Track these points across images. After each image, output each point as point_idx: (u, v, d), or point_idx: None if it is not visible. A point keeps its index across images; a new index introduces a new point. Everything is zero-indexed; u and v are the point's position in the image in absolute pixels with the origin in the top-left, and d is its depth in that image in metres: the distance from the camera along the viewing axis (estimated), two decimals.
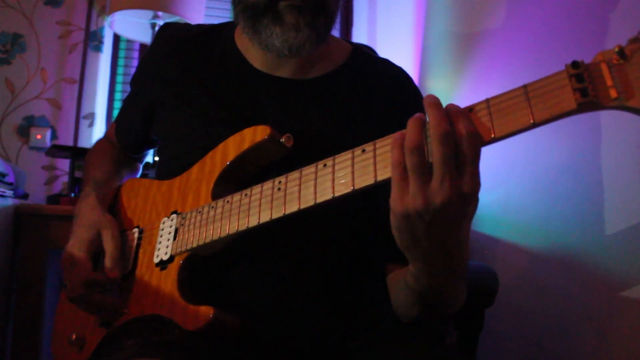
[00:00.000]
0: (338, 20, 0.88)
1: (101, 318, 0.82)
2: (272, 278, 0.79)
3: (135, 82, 1.00)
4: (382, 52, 1.00)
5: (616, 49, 0.49)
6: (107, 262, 0.81)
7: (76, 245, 0.83)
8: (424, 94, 0.97)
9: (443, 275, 0.65)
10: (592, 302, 1.12)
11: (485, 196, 1.55)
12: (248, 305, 0.78)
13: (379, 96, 0.87)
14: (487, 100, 0.55)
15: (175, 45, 0.92)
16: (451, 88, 1.80)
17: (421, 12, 2.10)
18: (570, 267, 1.18)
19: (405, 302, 0.75)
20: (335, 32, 0.88)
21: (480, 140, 0.54)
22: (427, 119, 0.56)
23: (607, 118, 1.09)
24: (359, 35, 2.56)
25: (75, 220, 0.89)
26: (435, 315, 0.75)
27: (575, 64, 0.50)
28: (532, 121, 0.51)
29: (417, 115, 0.57)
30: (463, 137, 0.54)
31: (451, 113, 0.55)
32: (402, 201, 0.56)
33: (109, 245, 0.82)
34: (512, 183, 1.42)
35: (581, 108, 0.49)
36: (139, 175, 1.14)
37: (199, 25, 0.98)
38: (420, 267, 0.65)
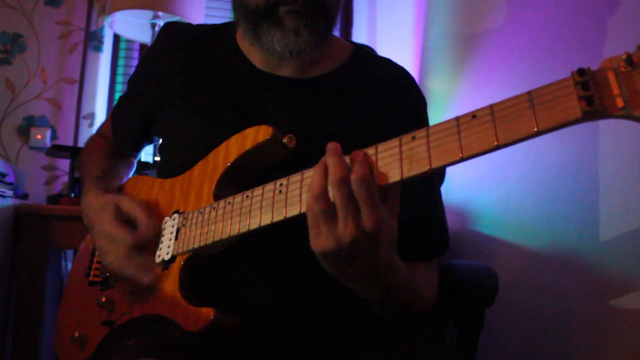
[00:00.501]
0: (338, 20, 0.88)
1: (107, 313, 0.82)
2: (273, 279, 0.79)
3: (135, 81, 1.00)
4: (382, 52, 1.00)
5: (624, 57, 0.47)
6: (142, 219, 0.79)
7: (105, 225, 0.80)
8: (425, 94, 0.98)
9: (378, 292, 0.72)
10: (592, 302, 1.12)
11: (485, 196, 1.55)
12: (249, 305, 0.78)
13: (380, 95, 0.88)
14: (491, 106, 0.54)
15: (177, 45, 0.92)
16: (451, 88, 1.81)
17: (421, 12, 2.10)
18: (570, 267, 1.18)
19: (376, 308, 0.78)
20: (335, 32, 0.88)
21: (371, 182, 0.58)
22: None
23: (608, 119, 1.09)
24: (359, 35, 2.56)
25: (85, 215, 0.88)
26: (403, 315, 0.79)
27: (581, 71, 0.48)
28: (536, 129, 0.50)
29: (322, 160, 0.61)
30: (356, 181, 0.57)
31: (350, 157, 0.60)
32: (317, 242, 0.61)
33: (133, 207, 0.81)
34: (512, 183, 1.42)
35: (586, 117, 0.48)
36: (134, 169, 1.13)
37: (200, 25, 0.98)
38: (357, 291, 0.71)
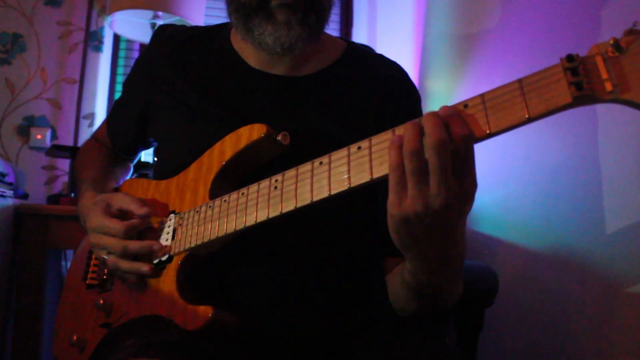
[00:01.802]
0: (338, 20, 0.88)
1: (105, 315, 0.82)
2: (271, 278, 0.79)
3: (130, 83, 1.00)
4: (382, 52, 1.00)
5: (611, 42, 0.48)
6: (132, 206, 0.79)
7: (94, 219, 0.80)
8: (424, 94, 0.98)
9: (441, 272, 0.66)
10: (592, 301, 1.12)
11: (485, 196, 1.55)
12: (247, 305, 0.77)
13: (374, 91, 0.88)
14: (482, 95, 0.54)
15: (172, 46, 0.92)
16: (451, 88, 1.80)
17: (421, 13, 2.10)
18: (570, 266, 1.18)
19: (403, 298, 0.75)
20: (335, 32, 0.88)
21: (473, 140, 0.54)
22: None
23: (607, 118, 1.09)
24: (359, 35, 2.56)
25: (80, 216, 0.89)
26: (433, 309, 0.76)
27: (570, 58, 0.49)
28: (527, 116, 0.51)
29: (416, 120, 0.57)
30: (459, 141, 0.54)
31: (446, 116, 0.55)
32: (400, 205, 0.56)
33: (124, 199, 0.81)
34: (512, 183, 1.42)
35: (576, 102, 0.49)
36: (130, 173, 1.13)
37: (195, 27, 0.98)
38: (419, 266, 0.66)
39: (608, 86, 0.48)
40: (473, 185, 0.56)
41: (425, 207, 0.55)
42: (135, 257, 0.82)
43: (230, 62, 0.89)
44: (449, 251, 0.63)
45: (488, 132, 0.53)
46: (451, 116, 0.55)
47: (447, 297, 0.74)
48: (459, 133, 0.54)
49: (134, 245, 0.77)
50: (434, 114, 0.55)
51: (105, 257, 0.79)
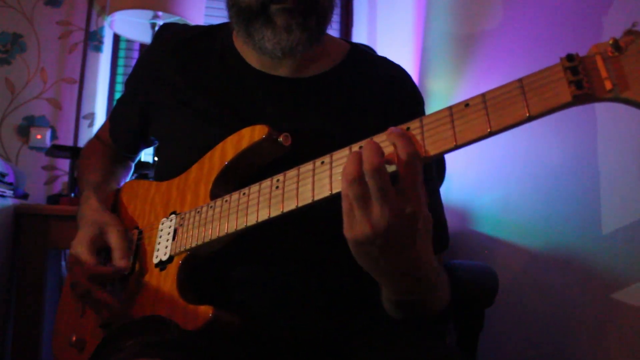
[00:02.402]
0: (338, 20, 0.89)
1: (103, 319, 0.82)
2: (272, 278, 0.79)
3: (132, 82, 1.00)
4: (382, 52, 1.00)
5: (610, 42, 0.49)
6: (115, 253, 0.80)
7: (78, 243, 0.82)
8: (424, 94, 0.98)
9: (410, 290, 0.68)
10: (592, 301, 1.12)
11: (485, 196, 1.55)
12: (247, 305, 0.77)
13: (376, 93, 0.88)
14: (483, 95, 0.55)
15: (174, 45, 0.92)
16: (451, 88, 1.80)
17: (421, 13, 2.10)
18: (570, 266, 1.18)
19: (388, 308, 0.76)
20: (335, 32, 0.88)
21: (418, 161, 0.56)
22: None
23: (607, 118, 1.09)
24: (359, 35, 2.56)
25: (78, 223, 0.89)
26: (419, 316, 0.76)
27: (570, 57, 0.50)
28: (527, 114, 0.51)
29: (357, 148, 0.60)
30: (402, 162, 0.56)
31: (391, 137, 0.57)
32: (352, 229, 0.59)
33: (114, 238, 0.82)
34: (512, 183, 1.42)
35: (576, 100, 0.49)
36: (131, 173, 1.14)
37: (197, 26, 0.98)
38: (386, 286, 0.68)
39: (607, 85, 0.49)
40: (418, 204, 0.57)
41: (373, 229, 0.57)
42: (134, 258, 0.82)
43: (232, 63, 0.89)
44: (414, 270, 0.64)
45: (489, 130, 0.53)
46: (395, 137, 0.57)
47: (429, 306, 0.74)
48: (401, 154, 0.56)
49: (90, 294, 0.78)
50: (369, 141, 0.58)
51: (71, 283, 0.81)
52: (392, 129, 0.58)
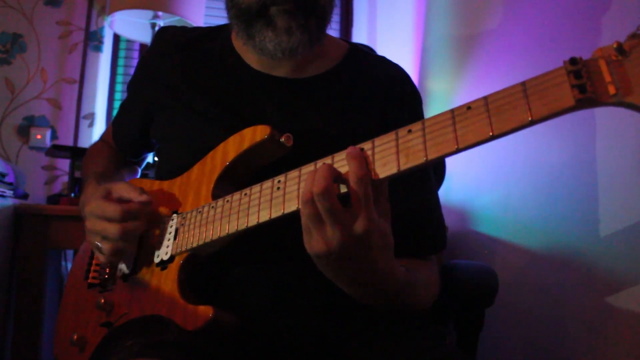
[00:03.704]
0: (338, 20, 0.89)
1: (106, 315, 0.82)
2: (272, 278, 0.79)
3: (133, 85, 1.00)
4: (382, 53, 1.00)
5: (615, 45, 0.48)
6: (132, 194, 0.78)
7: (92, 203, 0.79)
8: (424, 94, 0.98)
9: (375, 297, 0.71)
10: (592, 301, 1.12)
11: (485, 196, 1.55)
12: (247, 305, 0.78)
13: (376, 93, 0.88)
14: (485, 98, 0.54)
15: (174, 47, 0.93)
16: (451, 89, 1.80)
17: (421, 13, 2.10)
18: (570, 266, 1.18)
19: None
20: (335, 32, 0.88)
21: (368, 182, 0.58)
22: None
23: (607, 118, 1.09)
24: (359, 35, 2.56)
25: (81, 205, 0.87)
26: (410, 312, 0.78)
27: (573, 61, 0.49)
28: (530, 118, 0.51)
29: (311, 169, 0.63)
30: (352, 183, 0.58)
31: (347, 158, 0.59)
32: (310, 245, 0.62)
33: (124, 187, 0.80)
34: (512, 183, 1.42)
35: (579, 104, 0.49)
36: (138, 176, 1.14)
37: (196, 28, 0.99)
38: (352, 294, 0.70)
39: (611, 89, 0.48)
40: (371, 222, 0.59)
41: (327, 246, 0.60)
42: (136, 257, 0.82)
43: (232, 64, 0.89)
44: (373, 281, 0.66)
45: (491, 134, 0.53)
46: (349, 159, 0.59)
47: (410, 305, 0.76)
48: (351, 176, 0.58)
49: (131, 225, 0.76)
50: (324, 165, 0.60)
51: (99, 243, 0.78)
52: (349, 149, 0.60)
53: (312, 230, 0.61)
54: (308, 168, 0.66)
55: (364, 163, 0.59)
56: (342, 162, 0.62)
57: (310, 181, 0.59)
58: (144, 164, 1.14)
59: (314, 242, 0.61)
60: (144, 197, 0.78)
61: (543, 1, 1.35)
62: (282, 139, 0.75)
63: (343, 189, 0.60)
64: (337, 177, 0.60)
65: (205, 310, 0.70)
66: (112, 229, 0.76)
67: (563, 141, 1.22)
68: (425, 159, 0.56)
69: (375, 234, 0.60)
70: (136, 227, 0.77)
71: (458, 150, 0.55)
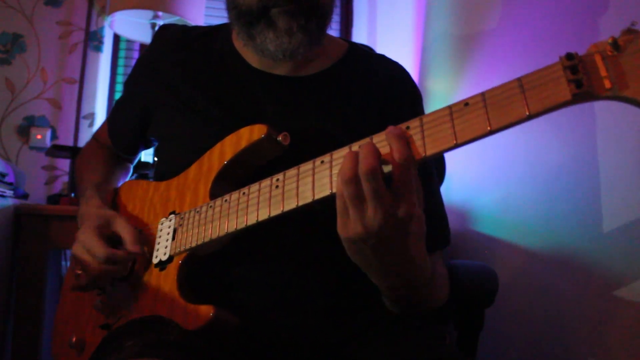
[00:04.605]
0: (338, 20, 0.89)
1: (105, 315, 0.82)
2: (272, 278, 0.79)
3: (131, 83, 1.00)
4: (382, 52, 1.00)
5: (609, 41, 0.49)
6: (126, 237, 0.79)
7: (84, 233, 0.80)
8: (424, 94, 0.98)
9: (403, 288, 0.70)
10: (592, 301, 1.12)
11: (485, 196, 1.55)
12: (247, 305, 0.77)
13: (375, 92, 0.88)
14: (483, 94, 0.55)
15: (174, 46, 0.93)
16: (451, 88, 1.80)
17: (421, 13, 2.10)
18: (570, 266, 1.18)
19: (388, 304, 0.78)
20: (335, 32, 0.88)
21: (413, 164, 0.56)
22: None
23: (607, 118, 1.09)
24: (359, 35, 2.56)
25: (80, 219, 0.88)
26: (416, 312, 0.78)
27: (569, 56, 0.50)
28: (527, 113, 0.51)
29: (355, 148, 0.60)
30: (397, 165, 0.56)
31: (388, 138, 0.58)
32: (345, 228, 0.60)
33: (122, 226, 0.81)
34: (512, 183, 1.42)
35: (576, 99, 0.50)
36: (129, 175, 1.13)
37: (196, 27, 0.99)
38: (380, 284, 0.69)
39: (607, 83, 0.49)
40: (413, 206, 0.58)
41: (366, 230, 0.58)
42: (134, 258, 0.82)
43: (232, 62, 0.89)
44: (406, 270, 0.65)
45: (489, 129, 0.53)
46: (392, 138, 0.57)
47: (425, 302, 0.76)
48: (396, 156, 0.56)
49: (112, 268, 0.78)
50: (367, 142, 0.59)
51: (78, 272, 0.80)
52: (390, 128, 0.58)
53: (351, 211, 0.58)
54: (306, 166, 0.66)
55: (407, 143, 0.57)
56: (340, 159, 0.62)
57: (351, 160, 0.57)
58: (137, 160, 1.14)
59: (351, 224, 0.59)
60: (135, 248, 0.78)
61: (542, 0, 1.35)
62: (279, 138, 0.75)
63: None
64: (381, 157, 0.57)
65: (206, 310, 0.70)
66: (93, 265, 0.78)
67: (563, 141, 1.22)
68: (424, 154, 0.57)
69: (414, 219, 0.59)
70: (117, 271, 0.79)
71: (457, 145, 0.56)
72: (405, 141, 0.57)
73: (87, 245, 0.79)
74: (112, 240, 0.81)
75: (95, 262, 0.78)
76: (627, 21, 0.51)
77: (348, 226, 0.59)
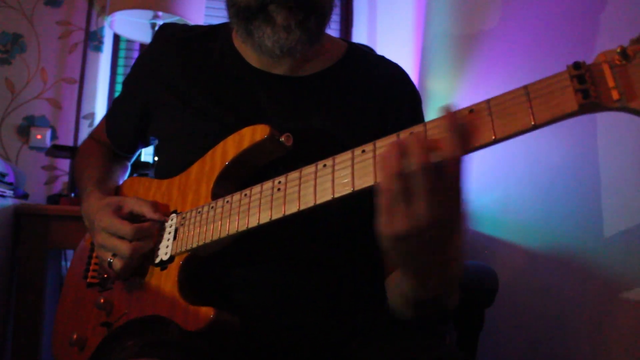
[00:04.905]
0: (338, 20, 0.89)
1: (106, 315, 0.82)
2: (272, 279, 0.79)
3: (131, 81, 0.99)
4: (382, 53, 1.00)
5: (618, 50, 0.48)
6: (145, 209, 0.79)
7: (105, 219, 0.80)
8: (424, 94, 0.98)
9: (439, 288, 0.67)
10: (591, 301, 1.12)
11: (485, 196, 1.55)
12: (248, 305, 0.77)
13: (375, 92, 0.88)
14: (488, 101, 0.54)
15: (174, 45, 0.92)
16: (451, 88, 1.80)
17: (421, 13, 2.10)
18: (570, 266, 1.18)
19: (402, 307, 0.76)
20: (335, 32, 0.88)
21: (462, 161, 0.53)
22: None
23: (606, 118, 1.09)
24: (359, 35, 2.56)
25: (86, 216, 0.88)
26: (430, 316, 0.76)
27: (577, 65, 0.49)
28: (533, 122, 0.50)
29: (395, 139, 0.57)
30: (452, 158, 0.53)
31: (448, 126, 0.54)
32: (391, 225, 0.55)
33: (136, 202, 0.81)
34: (512, 183, 1.42)
35: (582, 109, 0.48)
36: (128, 173, 1.13)
37: (197, 26, 0.98)
38: (416, 283, 0.66)
39: (614, 94, 0.47)
40: (461, 203, 0.55)
41: (415, 226, 0.54)
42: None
43: (232, 62, 0.89)
44: (446, 268, 0.63)
45: (494, 137, 0.52)
46: (452, 127, 0.54)
47: (445, 306, 0.74)
48: (456, 149, 0.53)
49: (143, 246, 0.77)
50: (420, 135, 0.55)
51: (111, 259, 0.79)
52: (449, 114, 0.54)
53: (400, 207, 0.54)
54: (308, 169, 0.65)
55: (467, 135, 0.54)
56: (343, 163, 0.62)
57: (397, 151, 0.53)
58: (135, 158, 1.14)
59: (398, 221, 0.54)
60: (157, 215, 0.79)
61: (542, 1, 1.35)
62: (282, 139, 0.75)
63: None
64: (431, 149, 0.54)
65: (207, 311, 0.70)
66: (124, 247, 0.77)
67: (563, 141, 1.22)
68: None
69: (462, 215, 0.56)
70: (147, 246, 0.78)
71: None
72: (466, 132, 0.53)
73: (112, 230, 0.78)
74: (131, 220, 0.80)
75: (124, 244, 0.77)
76: (627, 21, 0.50)
77: (395, 223, 0.55)
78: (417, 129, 0.57)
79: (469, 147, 0.54)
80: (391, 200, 0.55)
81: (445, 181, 0.53)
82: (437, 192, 0.53)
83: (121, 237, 0.78)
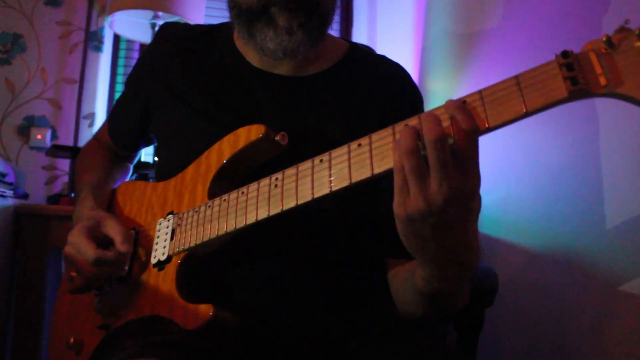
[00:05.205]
0: (338, 20, 0.89)
1: (103, 316, 0.82)
2: (271, 277, 0.79)
3: (132, 81, 1.00)
4: (382, 52, 1.00)
5: (604, 39, 0.50)
6: (116, 238, 0.78)
7: (75, 234, 0.80)
8: (424, 93, 0.97)
9: (454, 278, 0.65)
10: (592, 301, 1.12)
11: (485, 196, 1.55)
12: (247, 304, 0.77)
13: (376, 92, 0.88)
14: (480, 92, 0.55)
15: (175, 44, 0.92)
16: (451, 88, 1.80)
17: (421, 12, 2.10)
18: (570, 266, 1.18)
19: (411, 301, 0.75)
20: (335, 32, 0.88)
21: (477, 135, 0.54)
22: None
23: (606, 118, 1.09)
24: (359, 35, 2.56)
25: (74, 220, 0.89)
26: (442, 313, 0.75)
27: (565, 54, 0.51)
28: (524, 110, 0.52)
29: (412, 119, 0.57)
30: (461, 135, 0.53)
31: (450, 109, 0.55)
32: (404, 205, 0.55)
33: (112, 226, 0.80)
34: (512, 183, 1.42)
35: (572, 96, 0.50)
36: (129, 175, 1.13)
37: (198, 25, 0.98)
38: (432, 272, 0.64)
39: (602, 80, 0.49)
40: (477, 179, 0.55)
41: (428, 205, 0.54)
42: (132, 258, 0.82)
43: (233, 61, 0.89)
44: (461, 255, 0.61)
45: (487, 126, 0.54)
46: (455, 109, 0.55)
47: (458, 302, 0.73)
48: (462, 126, 0.53)
49: (103, 270, 0.78)
50: (430, 112, 0.56)
51: (72, 275, 0.81)
52: (450, 101, 0.55)
53: (412, 186, 0.54)
54: (305, 165, 0.66)
55: (472, 113, 0.54)
56: (339, 158, 0.62)
57: (412, 132, 0.54)
58: (136, 160, 1.14)
59: (412, 200, 0.54)
60: (124, 247, 0.78)
61: (542, 0, 1.35)
62: (277, 138, 0.75)
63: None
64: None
65: (206, 309, 0.70)
66: (85, 267, 0.78)
67: (563, 140, 1.22)
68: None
69: (477, 195, 0.56)
70: (107, 272, 0.79)
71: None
72: (469, 111, 0.54)
73: (77, 247, 0.78)
74: (104, 241, 0.80)
75: (85, 265, 0.78)
76: (626, 17, 0.51)
77: (408, 203, 0.55)
78: (413, 121, 0.57)
79: (474, 125, 0.54)
80: (404, 178, 0.55)
81: (457, 156, 0.54)
82: (450, 167, 0.53)
83: (84, 258, 0.78)
